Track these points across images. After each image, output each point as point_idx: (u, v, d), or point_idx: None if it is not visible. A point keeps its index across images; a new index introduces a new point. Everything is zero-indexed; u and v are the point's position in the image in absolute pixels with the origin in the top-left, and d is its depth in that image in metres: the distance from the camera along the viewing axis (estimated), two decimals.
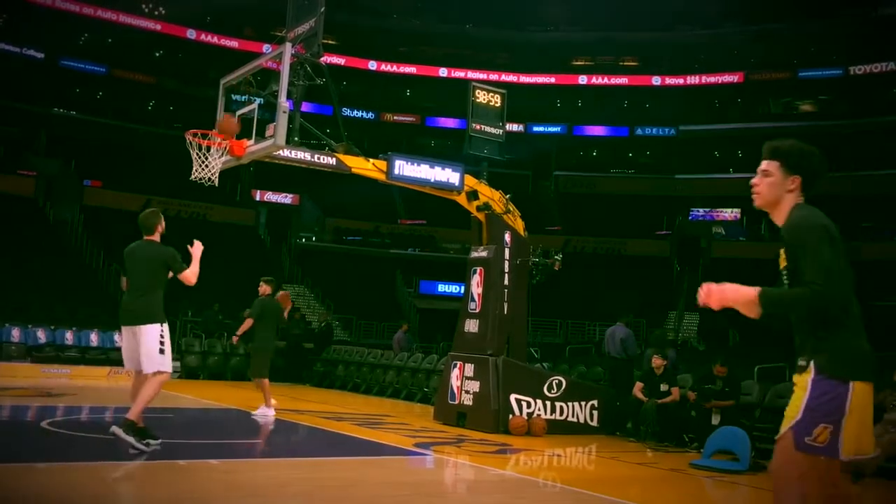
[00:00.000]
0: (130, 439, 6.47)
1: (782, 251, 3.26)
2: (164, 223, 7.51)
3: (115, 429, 6.56)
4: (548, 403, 10.60)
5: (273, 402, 10.47)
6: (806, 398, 3.08)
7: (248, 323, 10.88)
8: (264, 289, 10.95)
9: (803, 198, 3.36)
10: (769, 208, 3.41)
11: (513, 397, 10.38)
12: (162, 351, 6.74)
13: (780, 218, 3.36)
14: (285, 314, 11.23)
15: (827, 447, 3.01)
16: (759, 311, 3.19)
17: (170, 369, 6.89)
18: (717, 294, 3.25)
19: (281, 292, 11.39)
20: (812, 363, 3.11)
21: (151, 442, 6.69)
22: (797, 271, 3.17)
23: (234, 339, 10.82)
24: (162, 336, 6.77)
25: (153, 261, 7.12)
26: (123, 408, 11.10)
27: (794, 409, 3.12)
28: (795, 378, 3.21)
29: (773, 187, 3.38)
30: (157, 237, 7.42)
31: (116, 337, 16.58)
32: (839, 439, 3.00)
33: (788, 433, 3.10)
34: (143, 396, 6.67)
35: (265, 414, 10.20)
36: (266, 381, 10.50)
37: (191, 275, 7.06)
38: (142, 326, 6.73)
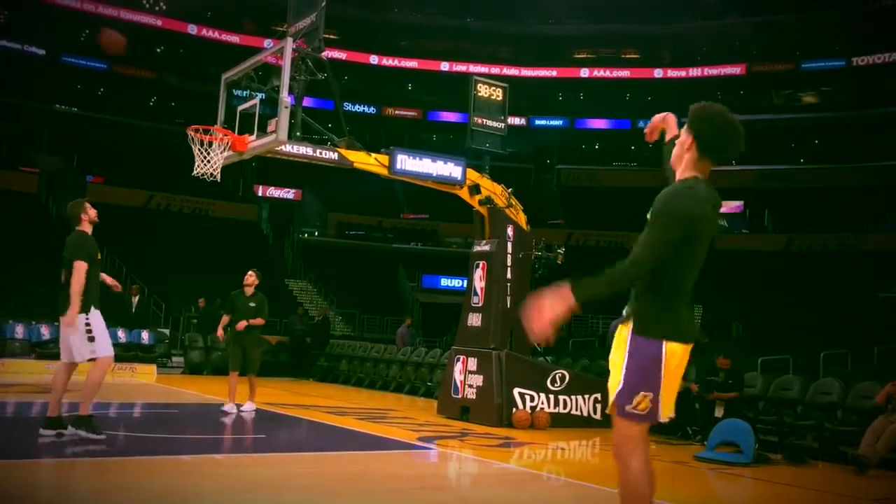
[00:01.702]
0: (80, 432, 6.73)
1: (649, 214, 3.19)
2: (91, 212, 7.60)
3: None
4: (551, 397, 10.61)
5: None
6: (625, 363, 3.09)
7: (260, 322, 10.38)
8: (254, 279, 10.45)
9: (705, 163, 3.26)
10: (675, 168, 3.36)
11: (516, 391, 10.38)
12: (91, 338, 6.82)
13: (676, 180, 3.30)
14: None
15: (648, 415, 3.05)
16: (576, 303, 3.04)
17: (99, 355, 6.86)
18: (537, 318, 2.99)
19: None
20: (630, 323, 3.12)
21: (64, 432, 6.80)
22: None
23: (220, 332, 10.58)
24: (88, 324, 6.84)
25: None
26: (127, 403, 11.15)
27: (616, 376, 3.12)
28: (615, 338, 3.22)
29: (678, 146, 3.35)
30: (85, 227, 7.49)
31: (120, 333, 16.61)
32: (658, 406, 3.03)
33: (613, 403, 3.13)
34: (88, 385, 6.81)
35: (251, 409, 9.95)
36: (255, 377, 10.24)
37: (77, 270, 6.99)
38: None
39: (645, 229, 3.11)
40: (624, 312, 3.22)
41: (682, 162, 3.30)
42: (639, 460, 3.14)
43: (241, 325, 10.11)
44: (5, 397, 10.73)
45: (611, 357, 3.22)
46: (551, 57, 40.18)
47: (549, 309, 2.98)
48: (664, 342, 3.04)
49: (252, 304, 10.26)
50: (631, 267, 3.03)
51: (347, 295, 29.73)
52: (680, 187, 3.22)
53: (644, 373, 3.04)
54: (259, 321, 10.30)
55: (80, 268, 6.96)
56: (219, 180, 9.78)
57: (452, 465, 7.66)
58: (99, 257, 7.26)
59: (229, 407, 9.90)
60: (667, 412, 3.07)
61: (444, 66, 40.08)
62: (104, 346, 6.90)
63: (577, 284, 3.02)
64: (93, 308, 6.97)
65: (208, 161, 9.47)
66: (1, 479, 5.16)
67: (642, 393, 3.03)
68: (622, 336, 3.15)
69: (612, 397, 3.13)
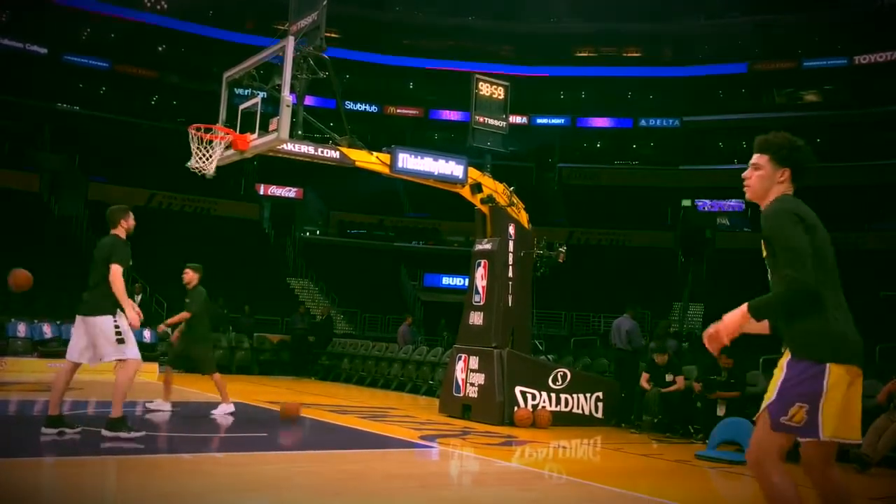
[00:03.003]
0: (119, 434, 6.87)
1: (762, 242, 3.29)
2: (131, 221, 7.64)
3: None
4: (553, 395, 10.61)
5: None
6: (781, 379, 3.11)
7: (186, 315, 9.85)
8: (191, 276, 10.04)
9: (792, 189, 3.39)
10: (759, 201, 3.44)
11: (518, 389, 10.38)
12: (120, 341, 6.89)
13: None
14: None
15: (804, 427, 3.02)
16: (757, 323, 3.24)
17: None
18: (717, 335, 3.26)
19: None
20: (788, 347, 3.15)
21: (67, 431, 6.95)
22: (775, 260, 3.20)
23: (162, 326, 10.37)
24: (117, 326, 6.91)
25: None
26: (129, 402, 11.14)
27: (771, 390, 3.14)
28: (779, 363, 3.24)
29: (763, 180, 3.42)
30: (120, 232, 7.54)
31: None
32: (818, 419, 3.00)
33: (765, 413, 3.12)
34: (117, 387, 6.93)
35: (225, 411, 9.66)
36: (218, 374, 9.95)
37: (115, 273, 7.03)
38: (93, 317, 6.94)
39: (774, 255, 3.19)
40: (782, 349, 3.25)
41: (772, 193, 3.40)
42: (780, 472, 3.11)
43: (161, 326, 9.95)
44: (7, 396, 10.73)
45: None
46: (553, 55, 40.16)
47: (729, 324, 3.22)
48: (826, 364, 3.06)
49: (187, 300, 9.91)
50: (803, 276, 3.09)
51: (349, 294, 29.73)
52: (785, 197, 3.35)
53: (802, 386, 3.06)
54: (178, 317, 9.93)
55: (117, 270, 7.03)
56: (212, 175, 9.70)
57: (454, 464, 7.66)
58: (129, 264, 7.31)
59: (220, 409, 9.73)
60: (831, 428, 3.03)
61: (446, 64, 40.07)
62: (132, 349, 7.00)
63: (751, 305, 3.17)
64: (119, 311, 7.00)
65: (207, 158, 9.46)
66: (3, 477, 5.16)
67: (798, 404, 3.04)
68: (781, 358, 3.21)
69: (762, 408, 3.16)
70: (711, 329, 3.27)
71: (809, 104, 38.63)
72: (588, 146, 42.77)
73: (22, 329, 15.63)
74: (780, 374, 3.13)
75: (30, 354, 15.26)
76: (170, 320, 10.10)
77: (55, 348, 15.63)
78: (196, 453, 6.86)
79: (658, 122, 40.05)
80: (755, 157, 3.44)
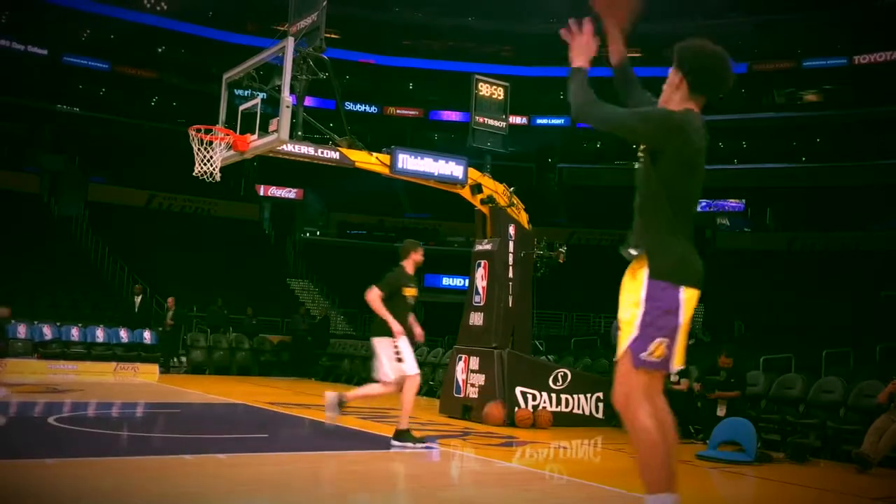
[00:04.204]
0: (406, 444, 7.54)
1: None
2: (419, 257, 8.15)
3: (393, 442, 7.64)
4: (553, 396, 10.61)
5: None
6: (641, 312, 3.03)
7: None
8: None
9: (697, 101, 3.21)
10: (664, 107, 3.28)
11: (518, 390, 10.38)
12: (399, 360, 7.58)
13: None
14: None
15: (662, 362, 3.00)
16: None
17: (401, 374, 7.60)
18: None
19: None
20: (647, 266, 3.07)
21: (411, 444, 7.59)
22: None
23: None
24: (396, 348, 7.58)
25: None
26: (131, 403, 11.16)
27: (630, 324, 3.07)
28: (626, 279, 3.17)
29: (667, 86, 3.30)
30: (406, 265, 8.09)
31: (122, 333, 16.62)
32: (672, 353, 3.00)
33: (628, 351, 3.07)
34: (404, 402, 7.66)
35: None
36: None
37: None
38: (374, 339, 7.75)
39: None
40: (631, 245, 3.15)
41: (673, 102, 3.24)
42: (646, 411, 3.06)
43: None
44: (8, 397, 10.73)
45: (623, 300, 3.15)
46: (553, 56, 40.12)
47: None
48: (682, 288, 2.99)
49: None
50: (595, 111, 3.13)
51: (349, 294, 29.70)
52: (686, 110, 3.18)
53: (662, 319, 2.98)
54: None
55: (370, 294, 7.69)
56: (218, 180, 9.76)
57: (455, 465, 7.65)
58: (407, 292, 7.87)
59: None
60: (679, 361, 3.03)
61: (446, 65, 40.06)
62: (411, 366, 7.63)
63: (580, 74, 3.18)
64: (401, 337, 7.63)
65: (209, 160, 9.47)
66: (4, 479, 5.16)
67: (659, 339, 2.98)
68: (636, 278, 3.08)
69: (624, 344, 3.06)
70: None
71: (809, 104, 38.59)
72: (588, 146, 42.75)
73: (22, 331, 15.64)
74: (636, 305, 3.04)
75: (30, 356, 15.27)
76: None
77: (55, 350, 15.66)
78: (198, 454, 6.85)
79: None
80: None
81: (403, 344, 7.60)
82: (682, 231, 3.06)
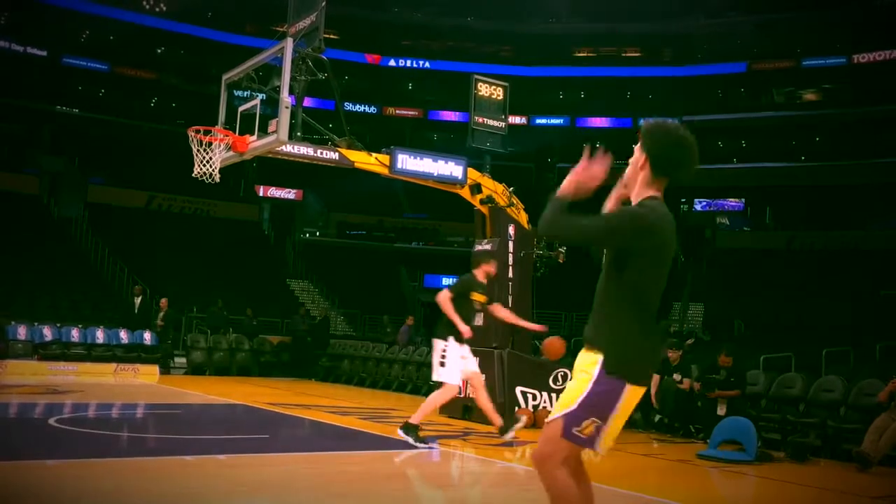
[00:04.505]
0: (408, 438, 7.67)
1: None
2: (489, 268, 8.40)
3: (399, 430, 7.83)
4: (553, 395, 10.60)
5: None
6: (586, 392, 3.09)
7: None
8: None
9: (660, 183, 3.15)
10: (629, 189, 3.25)
11: (518, 390, 10.38)
12: (442, 364, 7.82)
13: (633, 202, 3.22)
14: None
15: (589, 440, 3.08)
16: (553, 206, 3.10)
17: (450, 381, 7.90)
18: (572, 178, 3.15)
19: None
20: (601, 357, 3.10)
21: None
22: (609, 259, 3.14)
23: None
24: (444, 351, 7.83)
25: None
26: (131, 404, 11.16)
27: (572, 398, 3.12)
28: (582, 356, 3.20)
29: (631, 165, 3.25)
30: (478, 273, 8.35)
31: (122, 334, 16.61)
32: (601, 435, 3.07)
33: (559, 420, 3.11)
34: (427, 402, 7.89)
35: None
36: None
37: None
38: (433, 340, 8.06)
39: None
40: (588, 337, 3.20)
41: (636, 183, 3.20)
42: (564, 473, 3.15)
43: None
44: (8, 399, 10.74)
45: (576, 366, 3.21)
46: (552, 55, 40.15)
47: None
48: (628, 386, 3.07)
49: None
50: (565, 229, 3.06)
51: (349, 295, 29.73)
52: (644, 205, 3.12)
53: (602, 405, 3.07)
54: None
55: (440, 295, 8.01)
56: (218, 181, 9.77)
57: (455, 465, 7.66)
58: (475, 297, 8.15)
59: None
60: (606, 445, 3.12)
61: (445, 65, 40.07)
62: (452, 375, 7.89)
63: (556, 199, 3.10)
64: (451, 338, 7.93)
65: (209, 162, 9.47)
66: (5, 480, 5.17)
67: (591, 419, 3.06)
68: (589, 362, 3.13)
69: (559, 411, 3.13)
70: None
71: (809, 103, 38.60)
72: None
73: (22, 332, 15.63)
74: (585, 383, 3.09)
75: (30, 357, 15.25)
76: None
77: (55, 351, 15.64)
78: (198, 455, 6.86)
79: None
80: None
81: (452, 350, 7.86)
82: (643, 322, 3.09)
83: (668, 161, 3.14)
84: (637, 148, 3.20)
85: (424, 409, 7.84)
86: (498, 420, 8.14)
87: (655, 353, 3.20)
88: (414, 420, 7.79)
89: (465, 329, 7.80)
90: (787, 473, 7.57)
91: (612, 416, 3.07)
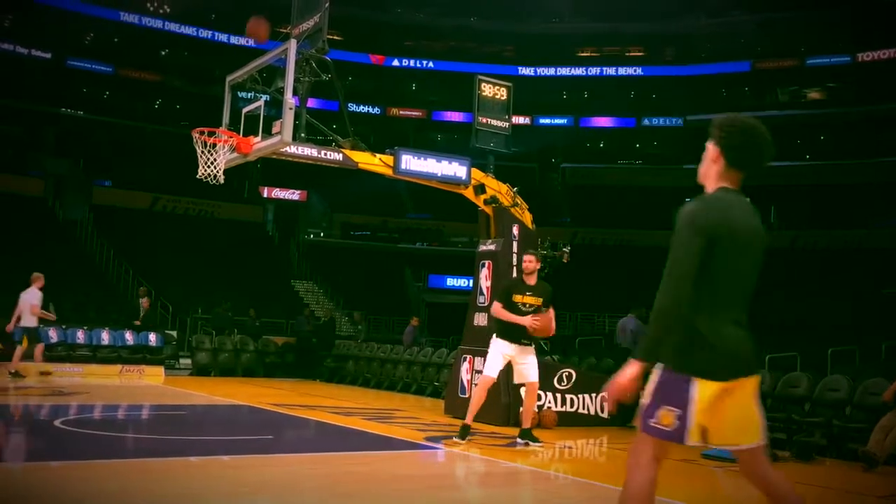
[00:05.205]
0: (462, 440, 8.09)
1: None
2: (527, 264, 8.59)
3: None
4: (558, 396, 10.60)
5: None
6: (652, 383, 3.07)
7: None
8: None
9: (735, 176, 3.20)
10: (704, 185, 3.27)
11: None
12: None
13: None
14: None
15: (672, 432, 3.00)
16: (651, 361, 3.10)
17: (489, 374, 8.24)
18: (613, 392, 3.10)
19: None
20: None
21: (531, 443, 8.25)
22: None
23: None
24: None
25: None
26: (136, 405, 11.18)
27: (646, 391, 3.11)
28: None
29: (703, 161, 3.27)
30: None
31: (127, 335, 16.64)
32: (687, 426, 2.97)
33: (640, 414, 3.10)
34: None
35: None
36: None
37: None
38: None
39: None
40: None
41: (710, 177, 3.24)
42: (643, 472, 3.12)
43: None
44: (14, 400, 10.77)
45: None
46: (555, 55, 40.15)
47: (621, 381, 3.07)
48: (694, 379, 2.98)
49: None
50: (663, 300, 3.01)
51: (353, 295, 29.75)
52: (702, 198, 3.18)
53: (670, 394, 3.01)
54: None
55: (493, 306, 8.39)
56: (222, 182, 9.78)
57: (459, 465, 7.66)
58: (518, 299, 8.28)
59: None
60: (695, 437, 2.99)
61: (448, 65, 40.09)
62: (490, 368, 8.24)
63: (637, 351, 3.09)
64: (495, 337, 8.32)
65: (213, 163, 9.49)
66: (11, 482, 5.18)
67: (666, 408, 3.00)
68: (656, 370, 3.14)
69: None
70: (610, 391, 3.12)
71: (813, 102, 38.55)
72: (591, 146, 42.73)
73: None
74: (653, 377, 3.08)
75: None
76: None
77: (61, 353, 15.68)
78: (202, 456, 6.87)
79: (661, 121, 40.01)
80: None
81: (493, 347, 8.27)
82: (710, 317, 3.03)
83: (741, 154, 3.19)
84: (711, 143, 3.23)
85: (472, 409, 8.22)
86: (469, 420, 8.28)
87: (726, 349, 3.04)
88: (468, 420, 8.18)
89: (528, 323, 8.10)
90: (792, 473, 7.55)
91: (693, 409, 2.95)
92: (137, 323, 17.31)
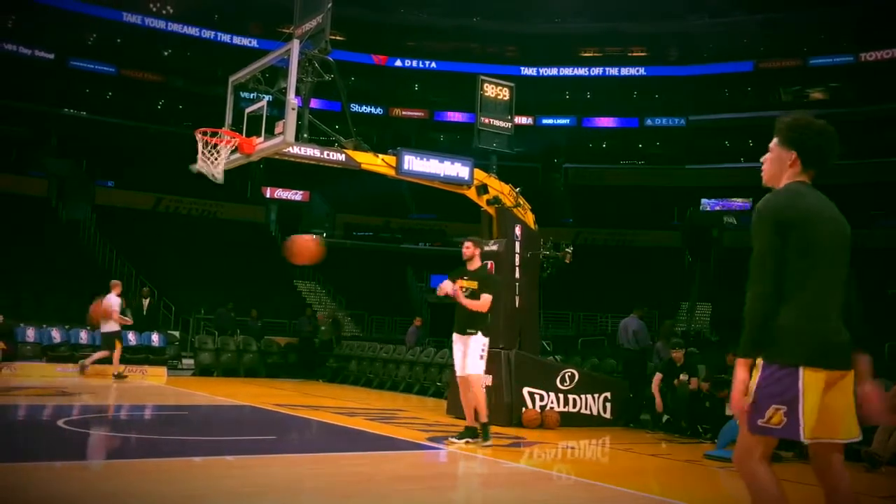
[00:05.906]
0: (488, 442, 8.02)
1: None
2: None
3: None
4: (561, 396, 10.59)
5: None
6: (757, 380, 3.06)
7: None
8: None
9: (809, 175, 3.22)
10: (773, 185, 3.31)
11: (525, 390, 10.37)
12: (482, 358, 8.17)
13: None
14: None
15: (785, 429, 2.98)
16: (754, 356, 3.11)
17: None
18: (737, 404, 3.12)
19: None
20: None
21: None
22: None
23: None
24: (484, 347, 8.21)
25: None
26: (139, 405, 11.19)
27: (749, 392, 3.09)
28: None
29: (772, 163, 3.30)
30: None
31: (130, 335, 16.66)
32: (799, 421, 2.96)
33: (744, 416, 3.08)
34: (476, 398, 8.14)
35: None
36: None
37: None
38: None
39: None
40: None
41: (781, 178, 3.26)
42: (764, 469, 3.08)
43: None
44: (16, 400, 10.78)
45: None
46: (558, 56, 40.15)
47: (737, 392, 3.08)
48: (801, 368, 2.98)
49: None
50: (753, 301, 3.06)
51: (356, 295, 29.76)
52: (776, 191, 3.22)
53: (777, 391, 3.00)
54: None
55: (487, 300, 8.23)
56: (221, 180, 9.76)
57: (462, 465, 7.65)
58: (458, 283, 8.30)
59: None
60: (816, 432, 2.99)
61: (451, 66, 40.10)
62: (460, 366, 8.23)
63: (739, 350, 3.11)
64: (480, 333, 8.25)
65: (213, 162, 9.49)
66: (14, 482, 5.18)
67: (774, 407, 2.99)
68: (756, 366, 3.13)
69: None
70: (734, 407, 3.14)
71: (816, 102, 38.51)
72: (594, 146, 42.73)
73: (31, 334, 15.71)
74: (755, 376, 3.07)
75: (38, 359, 15.32)
76: None
77: (64, 353, 15.70)
78: (206, 456, 6.87)
79: (664, 121, 39.99)
80: (772, 142, 3.32)
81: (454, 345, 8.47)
82: (800, 307, 3.03)
83: (817, 154, 3.22)
84: (775, 144, 3.27)
85: (481, 408, 8.09)
86: (484, 418, 8.10)
87: (822, 334, 3.04)
88: (481, 419, 8.09)
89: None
90: (795, 473, 7.53)
91: (801, 401, 2.95)
92: (129, 321, 17.29)
